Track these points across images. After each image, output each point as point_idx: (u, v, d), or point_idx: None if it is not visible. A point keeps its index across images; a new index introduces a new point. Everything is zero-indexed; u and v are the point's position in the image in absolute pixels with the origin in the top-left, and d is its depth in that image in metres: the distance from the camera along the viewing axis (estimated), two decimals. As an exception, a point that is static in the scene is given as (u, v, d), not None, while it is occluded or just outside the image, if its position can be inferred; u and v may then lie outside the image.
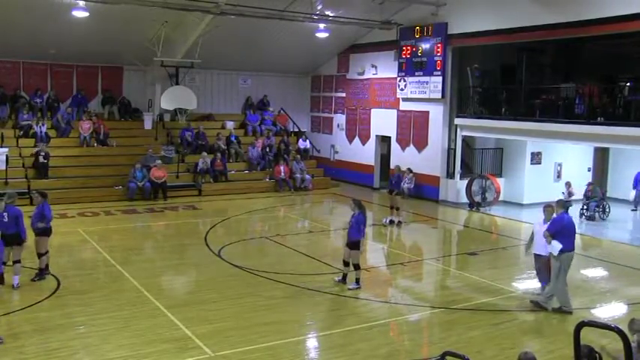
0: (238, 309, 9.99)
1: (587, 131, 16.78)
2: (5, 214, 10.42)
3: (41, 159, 19.42)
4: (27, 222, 10.90)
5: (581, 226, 16.97)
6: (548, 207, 10.63)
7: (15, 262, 10.56)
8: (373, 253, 14.88)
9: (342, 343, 8.72)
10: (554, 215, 10.29)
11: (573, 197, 18.66)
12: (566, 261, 10.00)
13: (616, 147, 19.55)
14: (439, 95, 20.50)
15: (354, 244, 11.09)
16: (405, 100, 22.06)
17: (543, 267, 10.58)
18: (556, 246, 9.95)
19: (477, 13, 19.37)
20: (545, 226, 10.40)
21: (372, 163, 24.05)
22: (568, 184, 18.86)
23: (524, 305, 10.57)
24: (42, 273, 11.14)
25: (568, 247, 9.99)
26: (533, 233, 10.87)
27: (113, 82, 23.48)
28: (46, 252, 11.18)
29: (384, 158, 23.65)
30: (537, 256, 10.71)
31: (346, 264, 11.28)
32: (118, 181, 20.20)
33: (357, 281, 11.14)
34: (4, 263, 10.43)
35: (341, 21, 21.24)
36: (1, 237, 10.31)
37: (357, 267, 11.17)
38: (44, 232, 11.12)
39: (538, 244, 10.58)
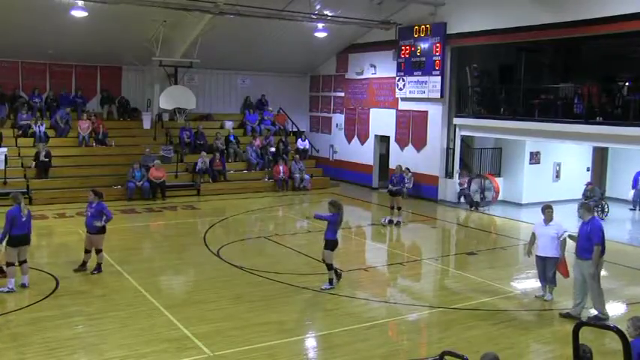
0: (237, 309, 9.99)
1: (586, 131, 16.78)
2: (24, 213, 10.45)
3: (42, 157, 19.41)
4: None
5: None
6: (547, 208, 10.51)
7: (22, 262, 10.58)
8: (372, 253, 14.90)
9: (341, 342, 8.72)
10: (584, 220, 9.84)
11: (465, 188, 19.57)
12: (601, 267, 9.72)
13: (615, 147, 19.55)
14: (438, 95, 20.50)
15: (326, 244, 11.02)
16: (403, 99, 22.06)
17: (551, 268, 10.43)
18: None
19: (476, 13, 19.36)
20: (549, 228, 10.33)
21: (371, 163, 24.05)
22: (464, 175, 18.64)
23: (523, 305, 10.59)
24: (99, 268, 11.72)
25: (604, 252, 9.69)
26: (534, 235, 10.73)
27: (112, 82, 23.47)
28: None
29: (383, 158, 23.65)
30: (545, 259, 10.47)
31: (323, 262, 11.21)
32: (117, 180, 20.18)
33: (330, 282, 11.04)
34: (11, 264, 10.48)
35: (340, 21, 21.23)
36: (13, 237, 10.29)
37: (329, 267, 11.04)
38: (102, 230, 11.63)
39: (545, 246, 10.38)
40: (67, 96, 22.55)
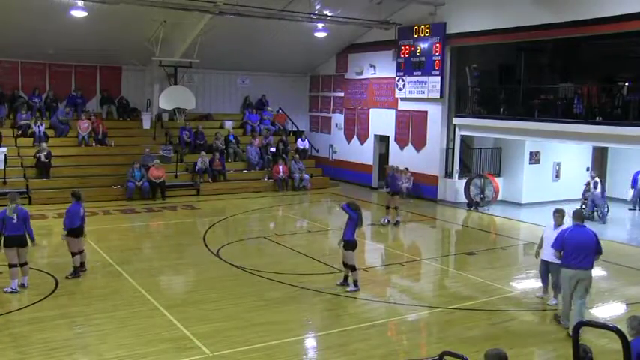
0: (237, 308, 9.99)
1: (586, 131, 16.78)
2: (15, 215, 10.39)
3: (42, 158, 19.41)
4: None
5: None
6: (556, 212, 10.35)
7: (22, 264, 10.57)
8: (372, 253, 14.90)
9: (340, 342, 8.72)
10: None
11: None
12: (564, 277, 9.24)
13: (614, 147, 19.54)
14: (438, 95, 20.50)
15: (345, 245, 11.02)
16: (403, 99, 22.06)
17: (554, 273, 10.34)
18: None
19: (476, 13, 19.37)
20: (555, 232, 10.29)
21: (371, 163, 24.05)
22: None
23: (523, 305, 10.59)
24: (76, 271, 11.37)
25: (565, 261, 9.14)
26: (542, 238, 10.62)
27: (112, 82, 23.46)
28: (80, 251, 11.47)
29: (383, 158, 23.65)
30: (548, 263, 10.40)
31: (345, 265, 11.25)
32: (117, 180, 20.19)
33: (355, 283, 11.05)
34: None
35: (339, 21, 21.24)
36: (7, 238, 10.30)
37: (352, 268, 11.07)
38: (72, 232, 11.35)
39: (548, 251, 10.22)
40: (74, 96, 22.51)
